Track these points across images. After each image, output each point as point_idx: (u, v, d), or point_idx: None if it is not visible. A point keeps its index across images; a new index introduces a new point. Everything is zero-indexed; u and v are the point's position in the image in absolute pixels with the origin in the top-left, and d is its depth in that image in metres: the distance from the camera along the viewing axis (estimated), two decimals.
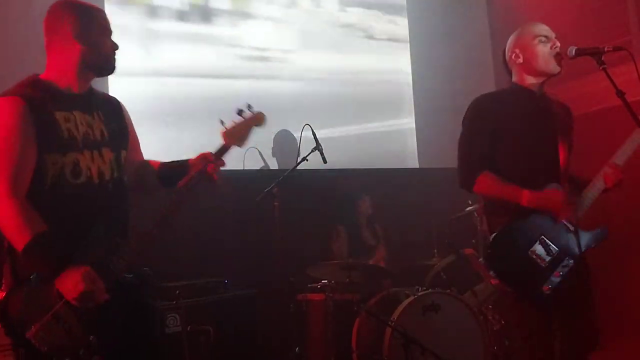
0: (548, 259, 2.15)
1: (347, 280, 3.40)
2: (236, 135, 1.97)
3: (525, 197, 2.15)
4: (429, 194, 4.30)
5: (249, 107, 2.00)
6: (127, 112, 2.08)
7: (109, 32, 1.95)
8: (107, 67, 1.95)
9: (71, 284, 1.70)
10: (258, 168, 4.03)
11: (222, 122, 1.96)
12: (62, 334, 1.72)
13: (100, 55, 1.92)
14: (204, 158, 1.98)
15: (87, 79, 1.95)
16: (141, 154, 2.13)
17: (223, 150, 1.97)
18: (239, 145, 1.99)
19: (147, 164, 2.10)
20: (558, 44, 2.27)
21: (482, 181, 2.22)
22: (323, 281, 3.46)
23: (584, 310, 2.25)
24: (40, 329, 1.70)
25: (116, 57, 1.95)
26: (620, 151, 2.21)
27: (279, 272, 3.42)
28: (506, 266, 2.19)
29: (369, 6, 4.94)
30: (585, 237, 2.21)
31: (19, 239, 1.71)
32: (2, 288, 1.77)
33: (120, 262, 1.80)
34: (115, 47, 1.95)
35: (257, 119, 2.01)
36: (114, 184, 1.92)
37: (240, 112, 1.98)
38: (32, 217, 1.73)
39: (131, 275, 1.86)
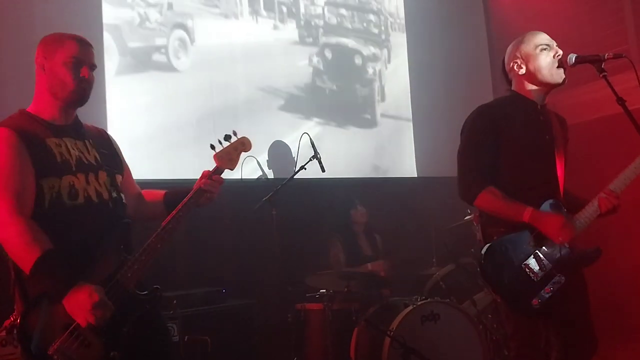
0: (541, 274, 2.15)
1: (346, 289, 3.38)
2: (227, 157, 2.07)
3: (527, 215, 2.14)
4: (428, 203, 4.29)
5: (235, 133, 2.10)
6: (116, 143, 2.14)
7: (75, 61, 1.90)
8: (73, 98, 1.92)
9: (80, 301, 1.70)
10: (256, 177, 4.02)
11: (212, 147, 2.06)
12: (83, 350, 1.73)
13: (64, 86, 1.90)
14: (203, 176, 2.05)
15: (66, 111, 1.96)
16: (136, 185, 2.18)
17: (217, 172, 2.06)
18: (231, 168, 2.09)
19: (143, 197, 2.16)
20: (560, 52, 2.26)
21: (485, 197, 2.21)
22: (321, 291, 3.44)
23: (581, 321, 2.25)
24: (61, 346, 1.70)
25: (85, 88, 1.92)
26: (620, 177, 2.19)
27: (277, 281, 3.40)
28: (498, 277, 2.19)
29: (366, 14, 4.93)
30: (581, 255, 2.20)
31: (27, 259, 1.71)
32: (14, 315, 1.79)
33: (129, 275, 1.83)
34: (81, 79, 1.90)
35: (244, 144, 2.12)
36: (114, 203, 1.95)
37: (227, 138, 2.08)
38: (38, 236, 1.74)
39: (145, 292, 1.89)
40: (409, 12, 5.10)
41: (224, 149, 2.06)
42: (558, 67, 2.24)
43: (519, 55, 2.31)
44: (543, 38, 2.30)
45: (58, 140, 1.89)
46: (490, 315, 3.56)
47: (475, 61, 5.17)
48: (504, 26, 4.99)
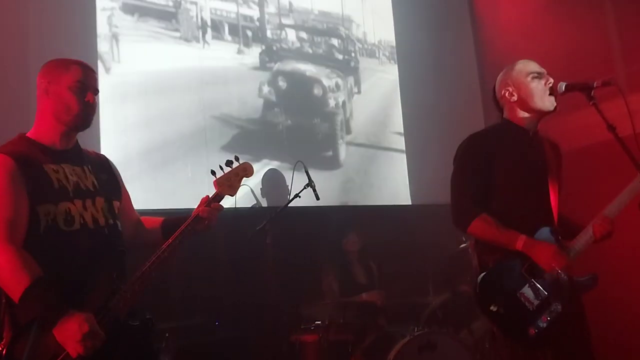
0: (536, 302, 2.13)
1: (342, 320, 3.34)
2: (227, 183, 2.04)
3: (521, 244, 2.14)
4: (423, 231, 4.27)
5: (237, 158, 2.09)
6: (116, 169, 2.14)
7: (81, 86, 1.93)
8: (77, 122, 1.94)
9: (70, 331, 1.67)
10: (250, 206, 4.00)
11: (213, 173, 2.03)
12: None
13: (69, 110, 1.91)
14: (202, 203, 2.03)
15: (68, 135, 1.96)
16: (135, 211, 2.17)
17: (217, 198, 2.04)
18: (231, 194, 2.06)
19: (142, 224, 2.15)
20: (551, 80, 2.29)
21: (478, 224, 2.21)
22: (317, 322, 3.40)
23: (581, 350, 2.22)
24: None
25: (90, 112, 1.94)
26: (613, 203, 2.19)
27: (272, 312, 3.35)
28: (494, 306, 2.16)
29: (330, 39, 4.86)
30: (576, 283, 2.19)
31: (16, 286, 1.70)
32: (2, 342, 1.74)
33: (121, 304, 1.80)
34: (86, 103, 1.92)
35: (245, 170, 2.09)
36: (110, 229, 1.94)
37: (229, 163, 2.06)
38: (28, 264, 1.73)
39: (137, 323, 1.86)
40: (399, 41, 5.16)
41: (225, 175, 2.04)
42: (549, 94, 2.27)
43: (510, 83, 2.34)
44: (534, 66, 2.34)
45: (56, 167, 1.89)
46: (487, 345, 3.51)
47: (465, 90, 5.24)
48: (494, 54, 5.07)
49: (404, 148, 4.96)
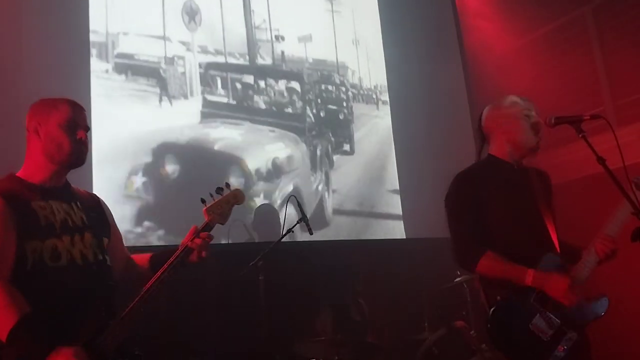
0: (550, 332, 2.10)
1: (336, 358, 3.26)
2: (218, 212, 2.00)
3: (530, 277, 2.11)
4: (417, 265, 4.24)
5: (227, 185, 2.05)
6: (107, 207, 2.12)
7: (71, 124, 1.93)
8: (71, 160, 1.93)
9: None
10: (243, 241, 3.96)
11: (203, 201, 2.00)
12: None
13: (60, 148, 1.91)
14: (190, 233, 2.00)
15: (58, 174, 1.96)
16: (125, 250, 2.15)
17: (206, 227, 2.00)
18: (222, 223, 2.02)
19: (133, 261, 2.13)
20: (540, 120, 2.32)
21: (485, 263, 2.18)
22: None
23: None
24: None
25: (82, 150, 1.94)
26: (611, 223, 2.18)
27: (265, 349, 3.28)
28: (508, 341, 2.13)
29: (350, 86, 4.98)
30: (588, 308, 2.16)
31: (3, 325, 1.67)
32: None
33: (109, 341, 1.77)
34: (78, 141, 1.92)
35: (236, 197, 2.05)
36: (98, 265, 1.92)
37: (219, 191, 2.03)
38: (14, 300, 1.70)
39: (125, 358, 1.82)
40: (391, 80, 5.19)
41: (215, 203, 2.00)
42: (535, 133, 2.31)
43: (501, 115, 2.37)
44: (527, 104, 2.37)
45: (44, 204, 1.88)
46: None
47: (457, 125, 5.29)
48: (485, 90, 5.16)
49: (401, 213, 4.79)
